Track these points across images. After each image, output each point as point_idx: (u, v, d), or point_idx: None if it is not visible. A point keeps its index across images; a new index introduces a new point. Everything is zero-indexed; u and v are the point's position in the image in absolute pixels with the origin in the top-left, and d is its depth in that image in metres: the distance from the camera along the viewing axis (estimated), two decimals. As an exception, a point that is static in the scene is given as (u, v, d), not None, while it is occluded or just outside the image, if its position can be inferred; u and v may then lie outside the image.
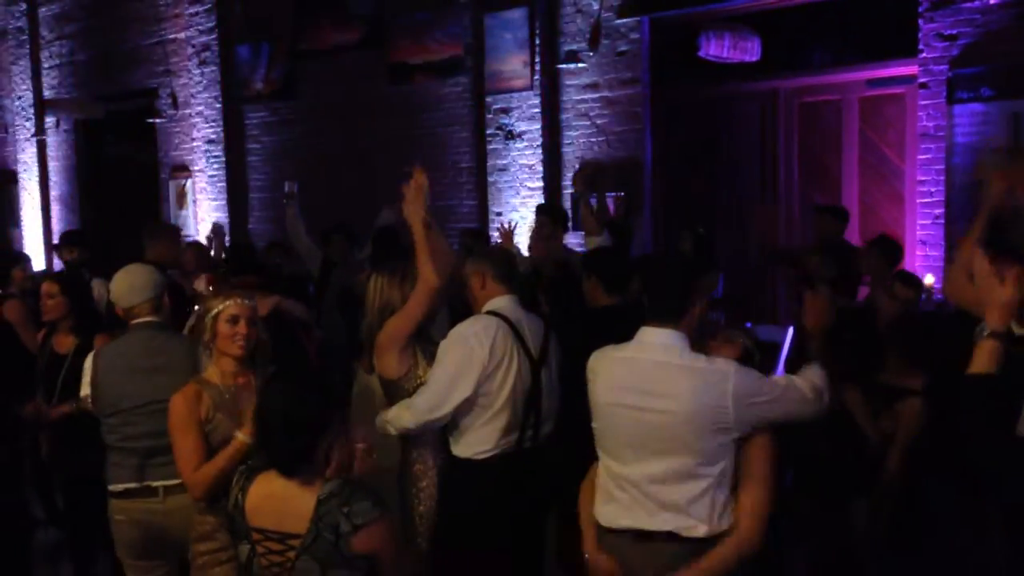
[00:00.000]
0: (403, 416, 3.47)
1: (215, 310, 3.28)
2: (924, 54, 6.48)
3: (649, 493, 2.81)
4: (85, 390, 3.62)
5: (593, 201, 6.94)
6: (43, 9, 12.76)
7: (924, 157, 6.59)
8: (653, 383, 2.81)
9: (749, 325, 5.70)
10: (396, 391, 3.55)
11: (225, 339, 3.27)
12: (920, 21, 6.46)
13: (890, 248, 5.71)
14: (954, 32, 6.35)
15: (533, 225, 6.30)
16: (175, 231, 6.91)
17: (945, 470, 3.55)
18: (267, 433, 2.57)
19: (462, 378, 3.43)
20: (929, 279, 6.34)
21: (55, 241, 11.60)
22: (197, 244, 7.83)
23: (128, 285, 3.66)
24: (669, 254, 3.31)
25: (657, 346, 2.86)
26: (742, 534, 2.77)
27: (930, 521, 3.75)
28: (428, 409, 3.43)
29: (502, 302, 3.63)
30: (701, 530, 2.77)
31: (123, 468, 3.52)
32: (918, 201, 6.69)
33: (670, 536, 2.79)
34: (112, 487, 3.55)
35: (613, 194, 7.65)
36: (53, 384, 4.46)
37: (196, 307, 3.43)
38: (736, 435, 2.78)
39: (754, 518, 2.78)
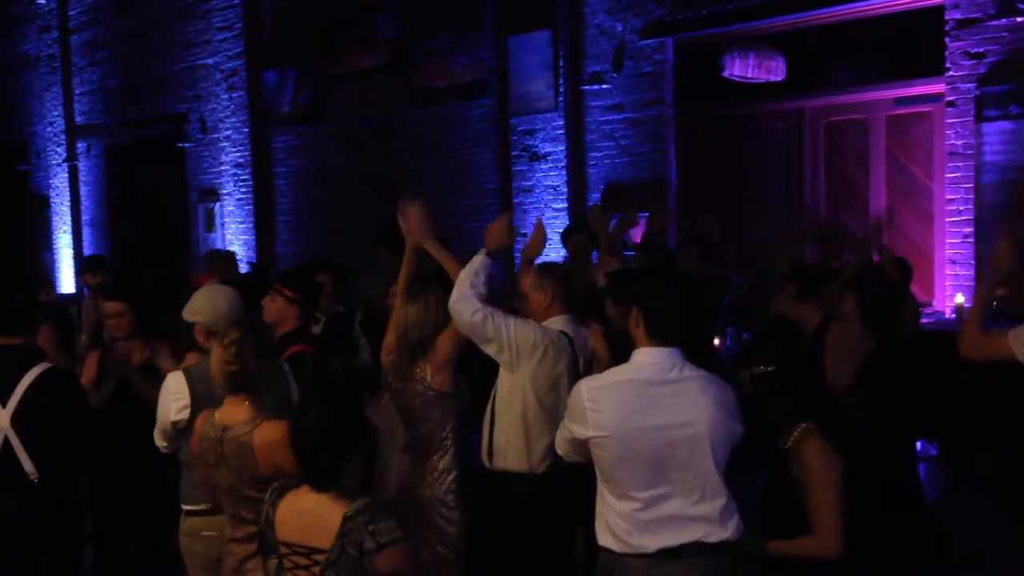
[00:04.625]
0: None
1: None
2: (951, 72, 6.44)
3: (673, 512, 2.79)
4: (177, 414, 3.50)
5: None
6: (75, 37, 12.98)
7: (952, 176, 6.54)
8: (667, 400, 2.79)
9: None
10: (448, 403, 3.65)
11: None
12: (947, 39, 6.44)
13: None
14: (981, 50, 6.32)
15: (573, 248, 6.15)
16: (232, 256, 7.54)
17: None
18: (300, 448, 2.63)
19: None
20: (959, 298, 6.27)
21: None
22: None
23: (227, 307, 3.65)
24: (670, 274, 3.39)
25: (658, 365, 2.83)
26: (824, 541, 2.81)
27: None
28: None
29: (562, 322, 3.74)
30: (726, 534, 2.80)
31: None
32: (947, 220, 6.64)
33: (697, 547, 2.78)
34: (193, 507, 3.48)
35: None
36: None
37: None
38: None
39: (831, 529, 2.82)
